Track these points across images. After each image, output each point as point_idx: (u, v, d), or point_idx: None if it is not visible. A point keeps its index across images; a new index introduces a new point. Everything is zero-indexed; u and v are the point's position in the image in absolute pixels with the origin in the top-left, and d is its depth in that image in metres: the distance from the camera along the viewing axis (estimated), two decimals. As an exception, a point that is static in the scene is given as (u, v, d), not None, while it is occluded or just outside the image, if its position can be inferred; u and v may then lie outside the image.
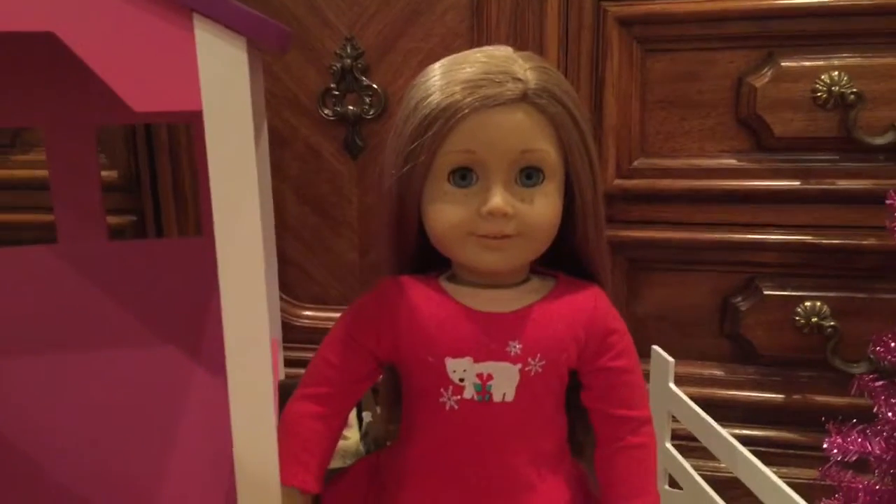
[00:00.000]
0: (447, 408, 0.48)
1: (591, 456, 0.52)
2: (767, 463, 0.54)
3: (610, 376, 0.50)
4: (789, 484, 0.50)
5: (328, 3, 0.84)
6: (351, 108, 0.86)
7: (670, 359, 0.66)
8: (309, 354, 0.53)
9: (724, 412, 0.78)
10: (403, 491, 0.51)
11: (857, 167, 0.76)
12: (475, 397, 0.48)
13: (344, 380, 0.50)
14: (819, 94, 0.74)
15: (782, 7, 0.74)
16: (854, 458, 0.62)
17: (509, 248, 0.47)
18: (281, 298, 0.88)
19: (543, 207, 0.47)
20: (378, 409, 0.68)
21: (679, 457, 0.65)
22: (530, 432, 0.49)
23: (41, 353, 0.65)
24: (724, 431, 0.58)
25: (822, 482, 0.67)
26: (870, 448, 0.61)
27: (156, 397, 0.67)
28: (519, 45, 0.78)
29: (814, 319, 0.78)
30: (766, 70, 0.76)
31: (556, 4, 0.79)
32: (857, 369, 0.75)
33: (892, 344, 0.62)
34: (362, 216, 0.90)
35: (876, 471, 0.62)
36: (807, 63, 0.75)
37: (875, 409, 0.63)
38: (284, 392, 0.55)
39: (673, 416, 0.66)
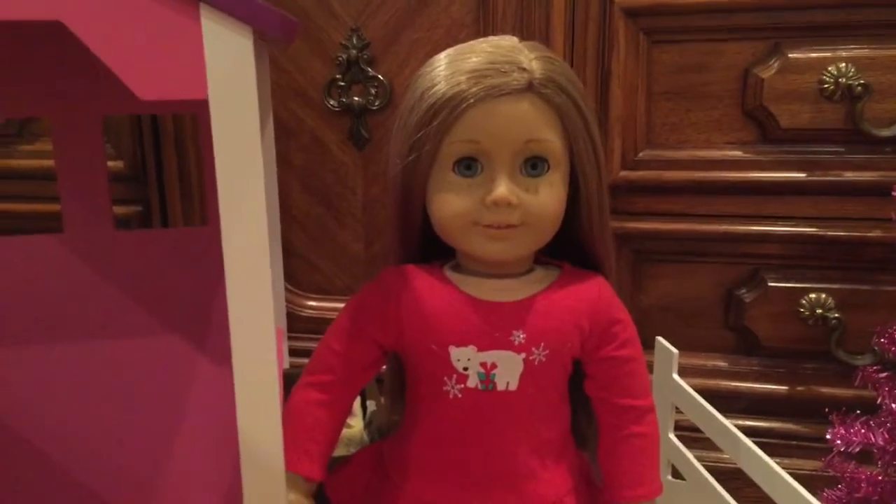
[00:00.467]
0: (451, 396, 0.49)
1: (595, 445, 0.53)
2: (771, 454, 0.54)
3: (613, 366, 0.50)
4: (792, 475, 0.50)
5: (334, -7, 0.84)
6: (356, 98, 0.86)
7: (674, 350, 0.66)
8: (313, 344, 0.53)
9: (728, 403, 0.79)
10: (407, 479, 0.51)
11: (864, 159, 0.76)
12: (479, 386, 0.48)
13: (348, 368, 0.51)
14: (826, 85, 0.74)
15: (789, -2, 0.74)
16: (857, 450, 0.62)
17: (514, 237, 0.47)
18: (285, 288, 0.88)
19: (548, 197, 0.47)
20: (382, 398, 0.69)
21: (682, 447, 0.65)
22: (534, 421, 0.50)
23: (46, 343, 0.66)
24: (727, 422, 0.58)
25: (826, 473, 0.67)
26: (873, 439, 0.61)
27: (161, 386, 0.67)
28: (525, 36, 0.77)
29: (818, 311, 0.78)
30: (772, 61, 0.76)
31: (562, -5, 0.78)
32: (862, 361, 0.75)
33: (897, 336, 0.62)
34: (367, 207, 0.90)
35: (879, 462, 0.62)
36: (814, 54, 0.75)
37: (879, 401, 0.63)
38: (289, 381, 0.56)
39: (676, 407, 0.66)
